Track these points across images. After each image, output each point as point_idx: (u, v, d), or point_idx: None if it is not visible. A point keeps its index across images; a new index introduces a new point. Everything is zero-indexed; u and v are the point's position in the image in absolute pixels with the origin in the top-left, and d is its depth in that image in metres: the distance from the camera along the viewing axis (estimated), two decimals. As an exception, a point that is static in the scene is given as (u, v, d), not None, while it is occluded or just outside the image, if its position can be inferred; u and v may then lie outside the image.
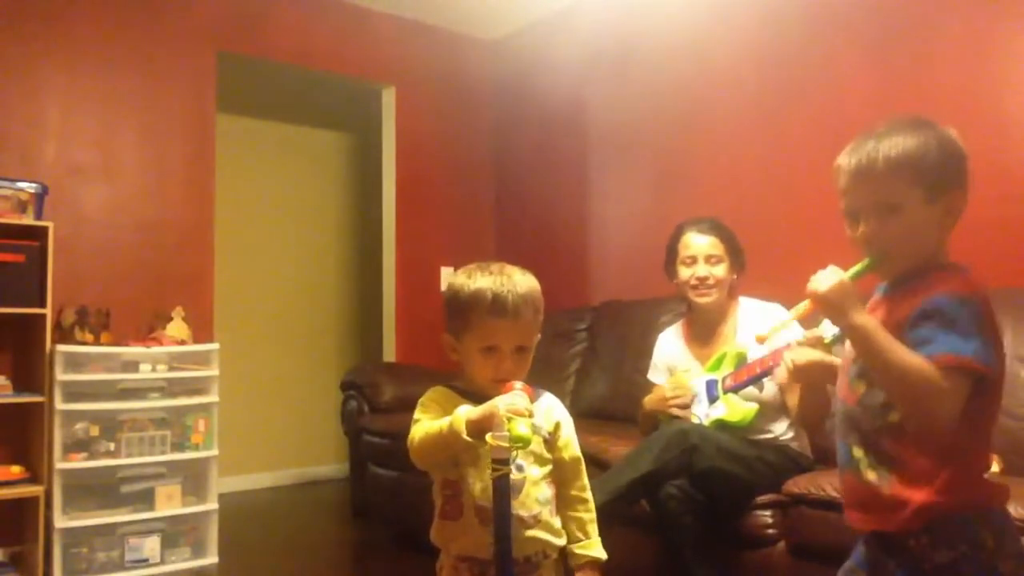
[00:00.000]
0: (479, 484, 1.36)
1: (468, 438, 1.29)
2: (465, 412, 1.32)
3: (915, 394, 1.17)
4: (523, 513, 1.36)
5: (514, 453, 1.29)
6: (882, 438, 1.25)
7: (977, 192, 2.74)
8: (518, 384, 1.33)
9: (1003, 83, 2.72)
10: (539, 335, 1.46)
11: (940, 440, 1.20)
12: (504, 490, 1.29)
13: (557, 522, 1.43)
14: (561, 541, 1.43)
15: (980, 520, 1.21)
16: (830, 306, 1.23)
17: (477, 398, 1.39)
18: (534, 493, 1.39)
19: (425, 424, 1.39)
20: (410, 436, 1.41)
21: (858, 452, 1.28)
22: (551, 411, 1.48)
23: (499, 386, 1.35)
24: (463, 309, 1.40)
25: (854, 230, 1.31)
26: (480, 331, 1.39)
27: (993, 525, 1.22)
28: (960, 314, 1.19)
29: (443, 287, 4.70)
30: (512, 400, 1.29)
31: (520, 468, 1.38)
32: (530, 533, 1.37)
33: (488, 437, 1.26)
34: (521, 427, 1.25)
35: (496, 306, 1.37)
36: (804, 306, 1.30)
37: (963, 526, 1.20)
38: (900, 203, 1.25)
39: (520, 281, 1.41)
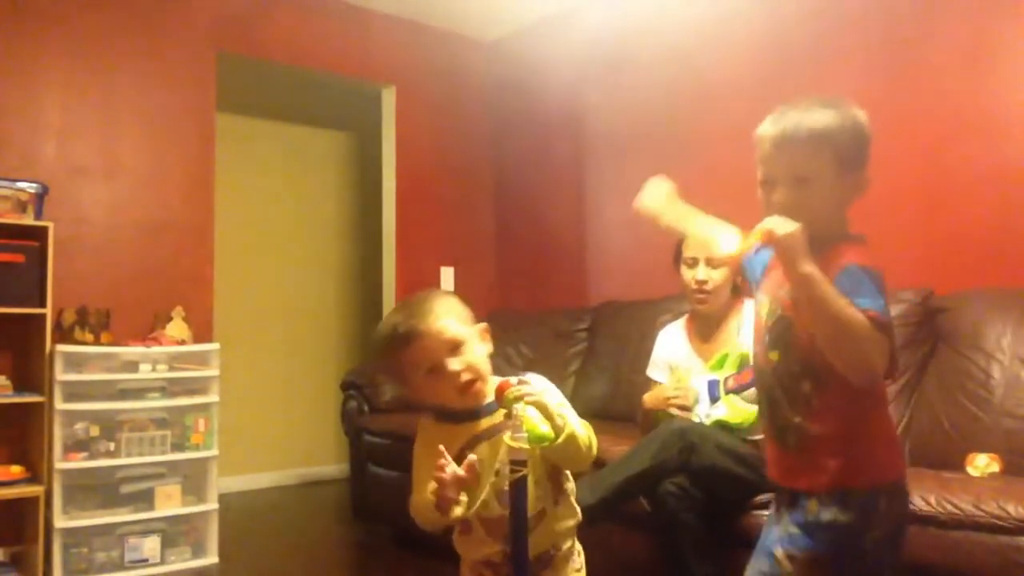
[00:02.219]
0: (486, 500, 1.37)
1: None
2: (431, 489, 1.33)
3: (856, 342, 1.19)
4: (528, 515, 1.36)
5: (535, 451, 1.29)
6: (797, 407, 1.32)
7: (977, 193, 2.75)
8: (513, 379, 1.33)
9: (1003, 85, 2.72)
10: (474, 326, 1.45)
11: (846, 411, 1.29)
12: (522, 492, 1.27)
13: (565, 509, 1.42)
14: (571, 522, 1.43)
15: (882, 492, 1.30)
16: (787, 250, 1.23)
17: (460, 417, 1.42)
18: (536, 493, 1.37)
19: (419, 499, 1.38)
20: (411, 504, 1.40)
21: (777, 415, 1.35)
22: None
23: (465, 398, 1.38)
24: (386, 364, 1.44)
25: (768, 198, 1.35)
26: (410, 365, 1.41)
27: (891, 497, 1.31)
28: (874, 280, 1.25)
29: (442, 287, 4.71)
30: (520, 391, 1.29)
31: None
32: (536, 531, 1.37)
33: (506, 438, 1.25)
34: (543, 427, 1.24)
35: (398, 341, 1.40)
36: (754, 238, 1.28)
37: (864, 497, 1.29)
38: (812, 176, 1.30)
39: (416, 303, 1.43)
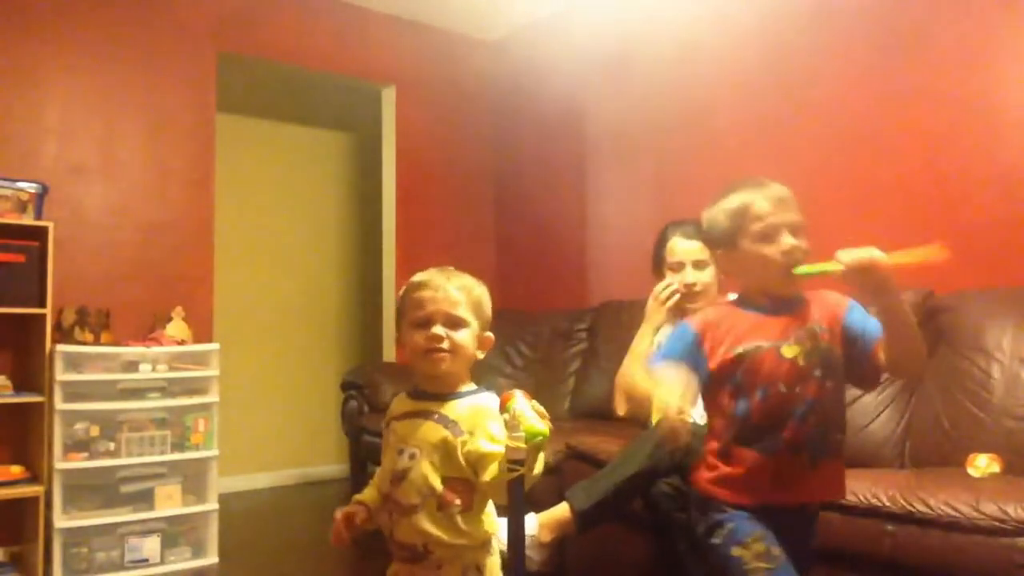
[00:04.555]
0: (382, 473, 1.48)
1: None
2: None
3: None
4: (402, 500, 1.41)
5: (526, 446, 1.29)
6: (841, 425, 1.55)
7: (977, 192, 2.75)
8: (517, 392, 1.34)
9: (1002, 84, 2.71)
10: (484, 331, 1.48)
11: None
12: (518, 492, 1.28)
13: (454, 521, 1.40)
14: (458, 540, 1.41)
15: None
16: (888, 279, 1.43)
17: (420, 396, 1.49)
18: (417, 483, 1.40)
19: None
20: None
21: (824, 436, 1.50)
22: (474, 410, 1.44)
23: (430, 356, 1.42)
24: (400, 302, 1.51)
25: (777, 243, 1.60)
26: (411, 308, 1.47)
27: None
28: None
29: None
30: (521, 404, 1.30)
31: (412, 456, 1.41)
32: (407, 521, 1.41)
33: (504, 439, 1.27)
34: (539, 424, 1.25)
35: (420, 284, 1.48)
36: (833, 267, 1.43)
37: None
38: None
39: (452, 274, 1.51)
